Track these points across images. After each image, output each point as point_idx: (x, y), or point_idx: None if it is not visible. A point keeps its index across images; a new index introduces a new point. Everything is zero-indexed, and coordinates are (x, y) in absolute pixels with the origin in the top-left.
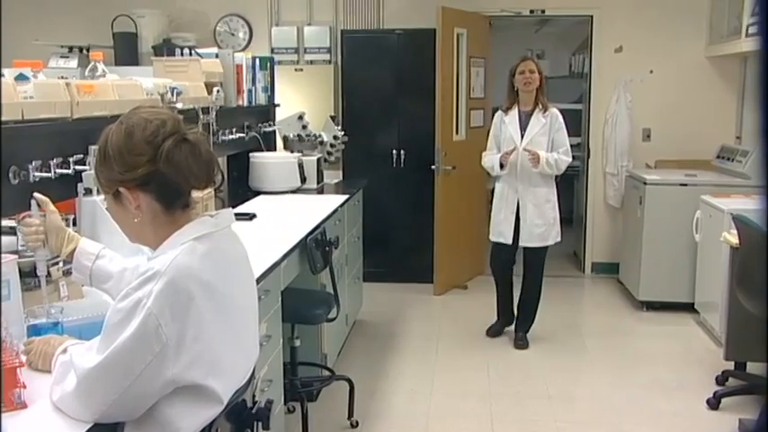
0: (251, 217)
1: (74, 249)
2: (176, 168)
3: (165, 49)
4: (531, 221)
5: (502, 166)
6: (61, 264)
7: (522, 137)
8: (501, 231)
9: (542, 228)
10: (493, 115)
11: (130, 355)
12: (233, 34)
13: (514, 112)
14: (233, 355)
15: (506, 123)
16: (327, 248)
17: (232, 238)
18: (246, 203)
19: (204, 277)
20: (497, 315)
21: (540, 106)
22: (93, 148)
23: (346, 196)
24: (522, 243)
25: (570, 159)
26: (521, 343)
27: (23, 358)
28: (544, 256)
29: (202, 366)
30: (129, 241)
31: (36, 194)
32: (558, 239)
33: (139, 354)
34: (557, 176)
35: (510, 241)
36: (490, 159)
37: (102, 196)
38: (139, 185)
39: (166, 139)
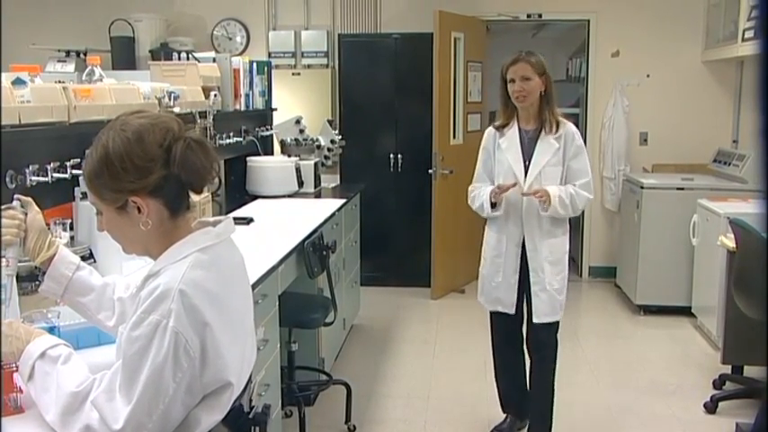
0: (248, 221)
1: (51, 257)
2: (191, 170)
3: (163, 53)
4: (551, 286)
5: (494, 205)
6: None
7: (527, 168)
8: (499, 298)
9: (563, 293)
10: (490, 122)
11: (162, 379)
12: (230, 38)
13: (513, 132)
14: (238, 361)
15: (503, 148)
16: (325, 252)
17: (230, 246)
18: (244, 207)
19: (211, 289)
20: (502, 406)
21: (549, 123)
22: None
23: (344, 200)
24: (537, 319)
25: (592, 196)
26: None
27: None
28: (558, 328)
29: (220, 375)
30: (125, 253)
31: (18, 196)
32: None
33: (171, 375)
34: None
35: (513, 310)
36: (479, 197)
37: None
38: (150, 192)
39: (177, 141)
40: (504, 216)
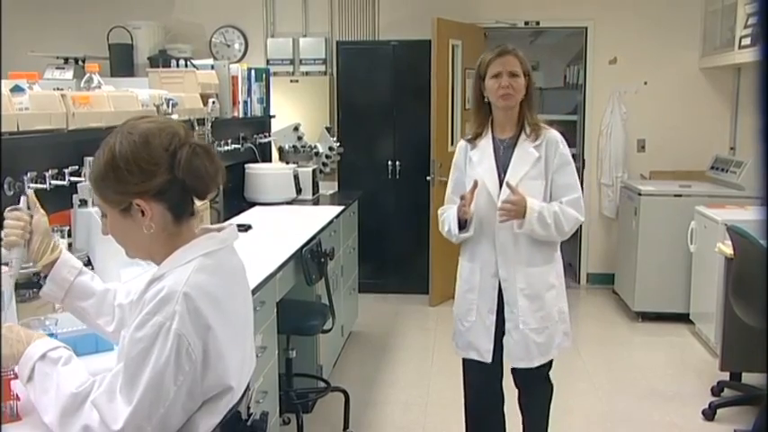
0: (246, 228)
1: (54, 260)
2: (195, 175)
3: (161, 60)
4: (526, 325)
5: (463, 225)
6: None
7: (502, 182)
8: (471, 342)
9: (543, 335)
10: None
11: (164, 382)
12: (228, 46)
13: (486, 142)
14: (239, 365)
15: (474, 162)
16: (323, 260)
17: (232, 252)
18: (242, 215)
19: (215, 293)
20: None
21: (528, 129)
22: (88, 160)
23: (342, 207)
24: (509, 361)
25: (582, 218)
26: None
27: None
28: (548, 373)
29: (221, 379)
30: (128, 257)
31: (29, 192)
32: (566, 344)
33: (172, 378)
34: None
35: (490, 359)
36: (447, 219)
37: (95, 209)
38: (154, 196)
39: (182, 146)
40: (476, 239)
